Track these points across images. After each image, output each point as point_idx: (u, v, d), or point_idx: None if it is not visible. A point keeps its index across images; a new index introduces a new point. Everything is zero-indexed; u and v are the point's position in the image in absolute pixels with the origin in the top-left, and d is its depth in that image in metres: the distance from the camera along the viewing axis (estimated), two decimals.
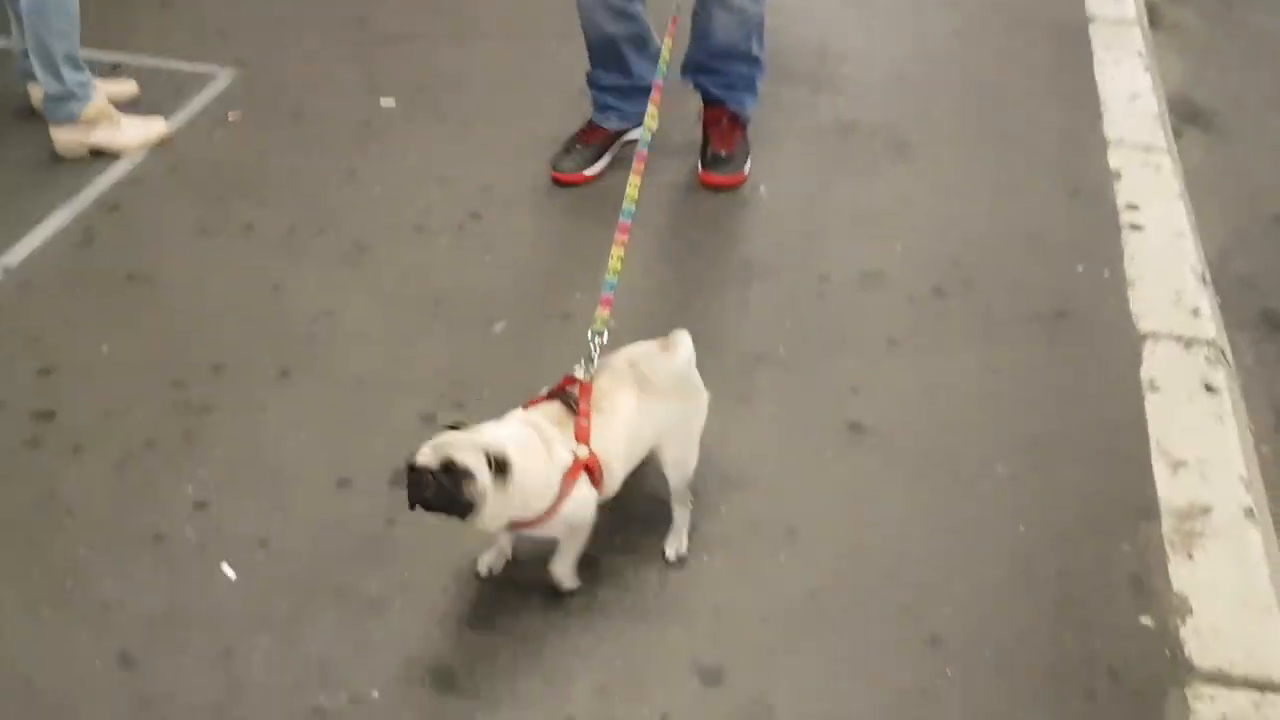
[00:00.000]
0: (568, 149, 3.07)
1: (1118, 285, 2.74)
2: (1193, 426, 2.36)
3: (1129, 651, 1.92)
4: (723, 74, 3.04)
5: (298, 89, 3.44)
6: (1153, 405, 2.41)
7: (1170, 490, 2.22)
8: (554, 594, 1.97)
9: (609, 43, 2.95)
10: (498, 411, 2.01)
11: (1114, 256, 2.83)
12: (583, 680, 1.86)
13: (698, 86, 3.10)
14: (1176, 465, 2.27)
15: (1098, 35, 3.83)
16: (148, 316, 2.59)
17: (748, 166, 3.09)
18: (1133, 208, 3.00)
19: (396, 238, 2.86)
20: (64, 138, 3.07)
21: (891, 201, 3.06)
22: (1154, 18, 4.19)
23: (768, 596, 2.01)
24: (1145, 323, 2.63)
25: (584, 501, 1.87)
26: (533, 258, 2.86)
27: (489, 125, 3.30)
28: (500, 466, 1.71)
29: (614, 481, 1.92)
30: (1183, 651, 1.92)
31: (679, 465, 2.03)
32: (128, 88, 3.34)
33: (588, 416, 1.85)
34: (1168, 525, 2.15)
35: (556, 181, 3.03)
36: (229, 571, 2.02)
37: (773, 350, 2.55)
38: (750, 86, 3.10)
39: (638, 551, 2.06)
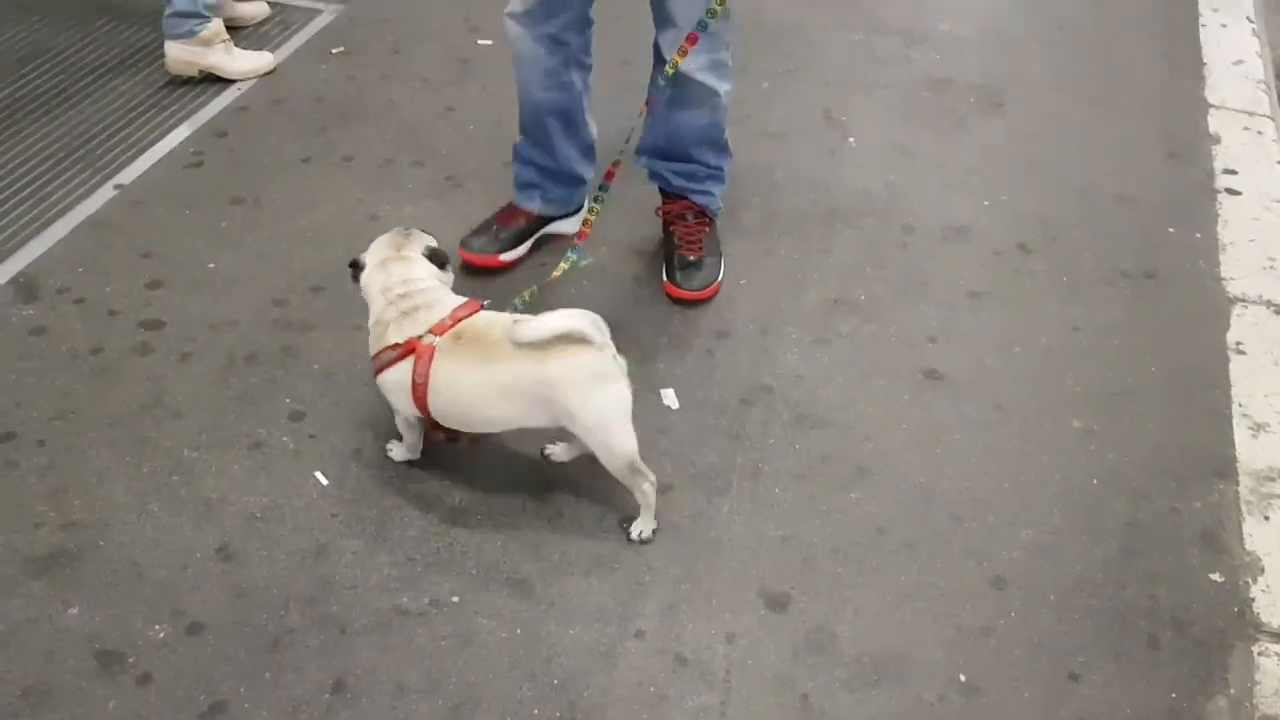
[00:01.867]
0: (482, 229, 2.64)
1: (1209, 249, 2.71)
2: (1278, 391, 2.34)
3: (1195, 604, 1.93)
4: (689, 162, 2.58)
5: (399, 26, 3.53)
6: (1238, 368, 2.40)
7: (1250, 452, 2.21)
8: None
9: (535, 111, 2.55)
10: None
11: (1207, 220, 2.80)
12: (653, 598, 1.93)
13: (654, 175, 2.65)
14: (1258, 427, 2.25)
15: None
16: (251, 237, 2.70)
17: (721, 272, 2.62)
18: (1230, 172, 2.95)
19: (489, 173, 2.93)
20: (178, 54, 3.19)
21: (981, 157, 3.05)
22: None
23: (836, 531, 2.05)
24: (1235, 286, 2.60)
25: (390, 379, 1.99)
26: (621, 195, 2.90)
27: None
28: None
29: (440, 411, 1.98)
30: (1251, 608, 1.93)
31: (598, 449, 1.95)
32: (260, 8, 3.51)
33: (454, 321, 1.95)
34: (1245, 486, 2.14)
35: (465, 262, 2.58)
36: (321, 478, 2.12)
37: (854, 296, 2.58)
38: (720, 177, 2.64)
39: (711, 480, 2.13)
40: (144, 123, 3.06)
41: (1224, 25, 3.59)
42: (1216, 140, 3.08)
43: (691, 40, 2.24)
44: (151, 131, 3.03)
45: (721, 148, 2.59)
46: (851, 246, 2.73)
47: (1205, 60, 3.41)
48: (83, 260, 2.61)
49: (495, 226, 2.65)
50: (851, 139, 3.13)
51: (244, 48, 3.33)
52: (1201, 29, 3.57)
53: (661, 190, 2.66)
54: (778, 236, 2.77)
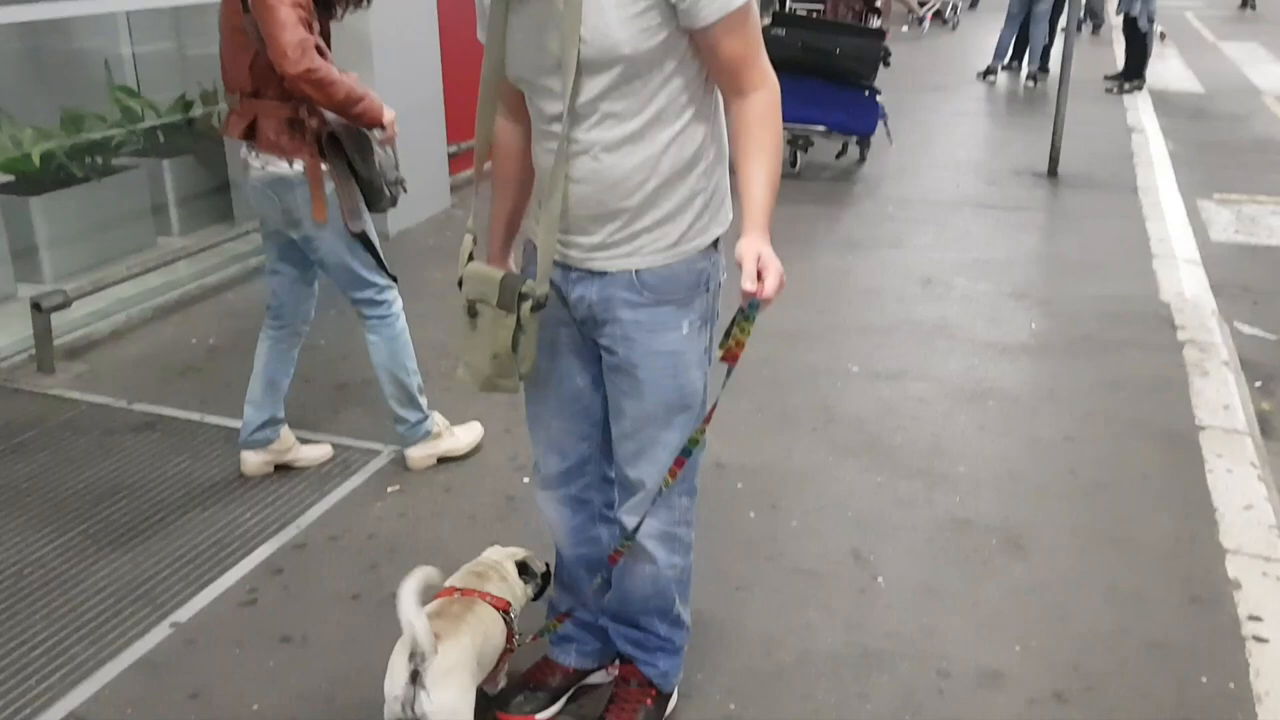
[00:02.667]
0: (518, 687, 2.66)
1: (1244, 700, 2.71)
2: None
3: None
4: (636, 628, 2.57)
5: (451, 466, 3.79)
6: None
7: None
8: None
9: (569, 567, 2.65)
10: None
11: (1238, 669, 2.82)
12: None
13: (611, 636, 2.64)
14: None
15: (1209, 444, 3.97)
16: (295, 677, 2.77)
17: None
18: (1255, 619, 3.01)
19: (533, 608, 3.03)
20: (418, 454, 3.72)
21: (1007, 599, 3.13)
22: (1265, 428, 4.33)
23: None
24: None
25: None
26: None
27: None
28: None
29: None
30: None
31: None
32: (324, 450, 3.81)
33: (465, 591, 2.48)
34: None
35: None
36: None
37: None
38: (670, 650, 2.58)
39: None
40: (205, 560, 3.24)
41: (1229, 470, 3.79)
42: (1237, 586, 3.16)
43: (679, 463, 2.28)
44: (212, 569, 3.19)
45: (674, 620, 2.54)
46: (889, 692, 2.75)
47: (1216, 505, 3.56)
48: (132, 700, 2.67)
49: (531, 684, 2.67)
50: (880, 578, 3.23)
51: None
52: (1208, 475, 3.75)
53: (618, 651, 2.65)
54: (814, 680, 2.80)
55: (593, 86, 2.04)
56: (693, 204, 2.18)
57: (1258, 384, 4.77)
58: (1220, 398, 4.34)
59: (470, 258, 2.32)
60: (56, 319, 4.55)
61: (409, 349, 3.64)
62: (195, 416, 4.12)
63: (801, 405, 4.29)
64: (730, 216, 2.29)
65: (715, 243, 2.27)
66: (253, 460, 3.66)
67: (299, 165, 3.23)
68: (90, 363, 4.62)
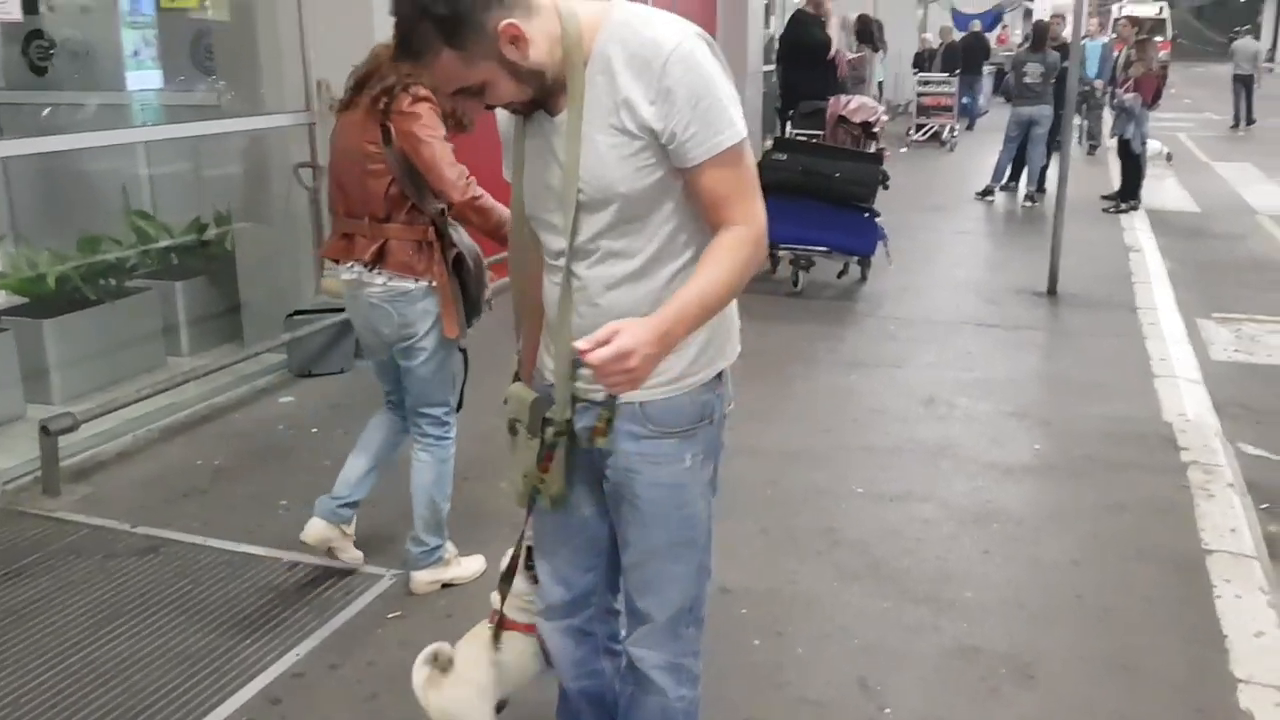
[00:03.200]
0: None
1: None
2: None
3: None
4: None
5: (453, 590, 3.76)
6: None
7: None
8: None
9: (571, 699, 2.63)
10: None
11: None
12: None
13: None
14: None
15: (1216, 568, 3.94)
16: None
17: None
18: None
19: (538, 697, 2.98)
20: (425, 578, 3.72)
21: None
22: (1274, 551, 4.29)
23: None
24: None
25: None
26: None
27: None
28: None
29: None
30: None
31: None
32: (360, 556, 3.87)
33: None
34: None
35: None
36: None
37: None
38: None
39: None
40: (203, 689, 3.20)
41: (1238, 596, 3.75)
42: (1250, 718, 3.10)
43: None
44: (210, 698, 3.15)
45: None
46: None
47: (1225, 633, 3.52)
48: None
49: None
50: (888, 710, 3.18)
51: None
52: (1217, 601, 3.72)
53: None
54: None
55: (592, 224, 2.10)
56: (696, 339, 2.20)
57: (1264, 506, 4.75)
58: (1227, 521, 4.32)
59: (516, 376, 2.39)
60: (63, 440, 4.58)
61: (450, 476, 3.70)
62: (198, 540, 4.11)
63: (806, 527, 4.28)
64: (738, 349, 2.33)
65: (720, 375, 2.30)
66: (321, 530, 3.68)
67: (423, 281, 3.42)
68: (95, 484, 4.63)
